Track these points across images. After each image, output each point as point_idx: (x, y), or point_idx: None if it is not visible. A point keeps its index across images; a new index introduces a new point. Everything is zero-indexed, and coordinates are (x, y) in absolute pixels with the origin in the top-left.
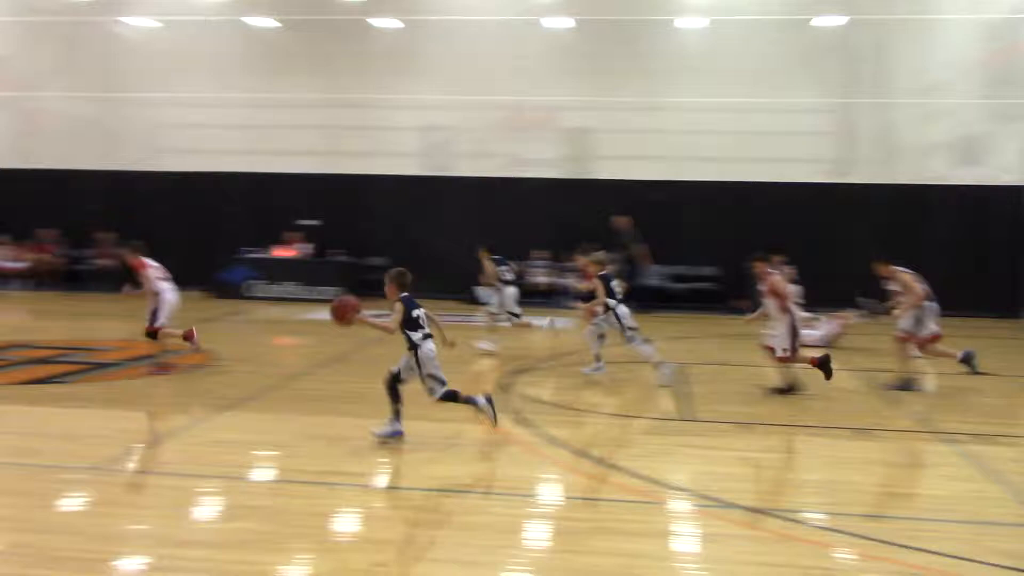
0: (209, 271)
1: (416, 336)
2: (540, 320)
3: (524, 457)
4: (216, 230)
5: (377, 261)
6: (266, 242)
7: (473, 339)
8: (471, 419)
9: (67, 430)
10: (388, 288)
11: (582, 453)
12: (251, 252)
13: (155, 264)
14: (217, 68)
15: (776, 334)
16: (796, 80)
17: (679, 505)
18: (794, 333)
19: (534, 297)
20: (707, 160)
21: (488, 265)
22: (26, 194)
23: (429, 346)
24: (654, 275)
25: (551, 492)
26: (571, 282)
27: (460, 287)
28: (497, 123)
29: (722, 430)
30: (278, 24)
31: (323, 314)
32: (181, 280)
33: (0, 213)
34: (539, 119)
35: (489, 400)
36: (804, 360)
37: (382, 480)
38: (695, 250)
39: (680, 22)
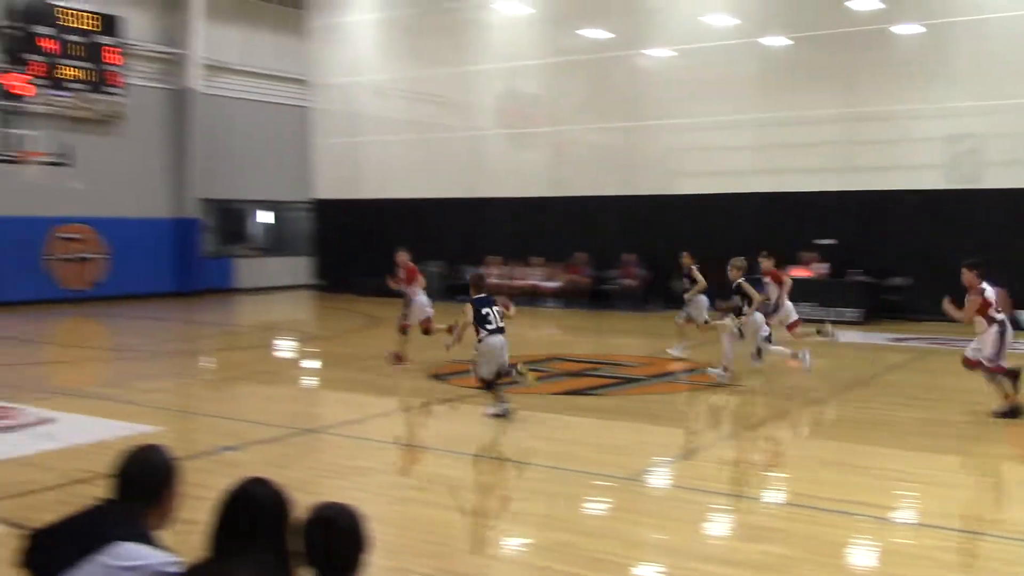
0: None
1: (482, 332)
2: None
3: None
4: (731, 250)
5: (898, 281)
6: (781, 262)
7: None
8: (1010, 457)
9: (599, 440)
10: (471, 288)
11: None
12: None
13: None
14: (730, 90)
15: (981, 346)
16: None
17: None
18: (1001, 343)
19: None
20: None
21: (698, 275)
22: (558, 219)
23: (492, 340)
24: None
25: None
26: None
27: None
28: None
29: None
30: (790, 41)
31: (845, 336)
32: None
33: (536, 237)
34: None
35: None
36: (1000, 370)
37: (906, 515)
38: None
39: None
